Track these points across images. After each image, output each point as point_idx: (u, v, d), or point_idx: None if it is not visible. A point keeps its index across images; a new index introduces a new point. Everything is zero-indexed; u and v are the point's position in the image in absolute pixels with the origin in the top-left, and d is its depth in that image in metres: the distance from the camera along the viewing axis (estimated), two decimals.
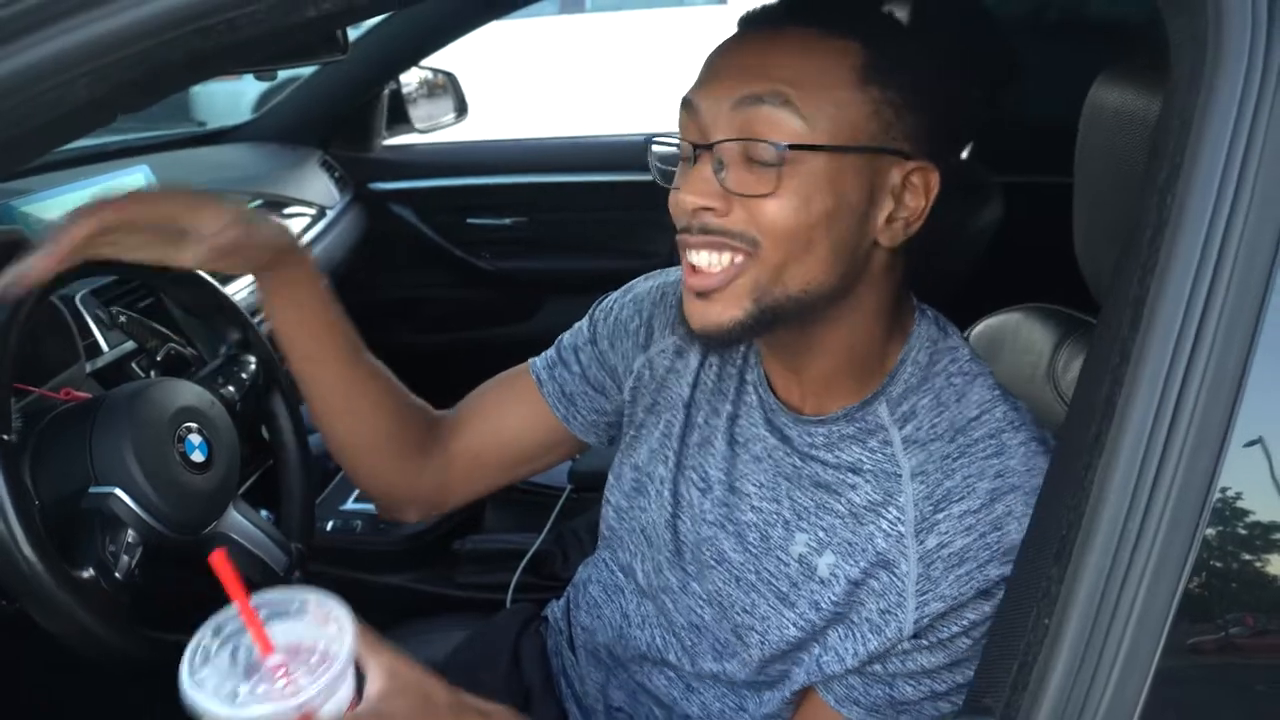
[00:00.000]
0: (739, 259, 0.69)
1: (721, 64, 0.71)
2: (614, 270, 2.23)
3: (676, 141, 0.73)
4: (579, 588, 1.01)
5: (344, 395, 0.93)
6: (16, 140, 0.51)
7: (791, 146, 0.66)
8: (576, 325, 0.99)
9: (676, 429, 0.87)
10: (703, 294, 0.70)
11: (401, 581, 1.47)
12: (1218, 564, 0.46)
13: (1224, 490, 0.45)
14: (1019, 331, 1.09)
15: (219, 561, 0.61)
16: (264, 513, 1.38)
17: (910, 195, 0.71)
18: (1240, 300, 0.45)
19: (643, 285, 0.95)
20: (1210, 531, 0.45)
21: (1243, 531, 0.46)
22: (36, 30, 0.47)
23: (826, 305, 0.72)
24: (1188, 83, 0.48)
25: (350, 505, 1.52)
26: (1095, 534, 0.45)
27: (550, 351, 1.00)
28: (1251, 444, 0.45)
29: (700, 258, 0.70)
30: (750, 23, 0.73)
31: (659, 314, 0.91)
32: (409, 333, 2.32)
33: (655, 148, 0.77)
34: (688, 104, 0.71)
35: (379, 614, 1.31)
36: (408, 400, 0.98)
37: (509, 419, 0.99)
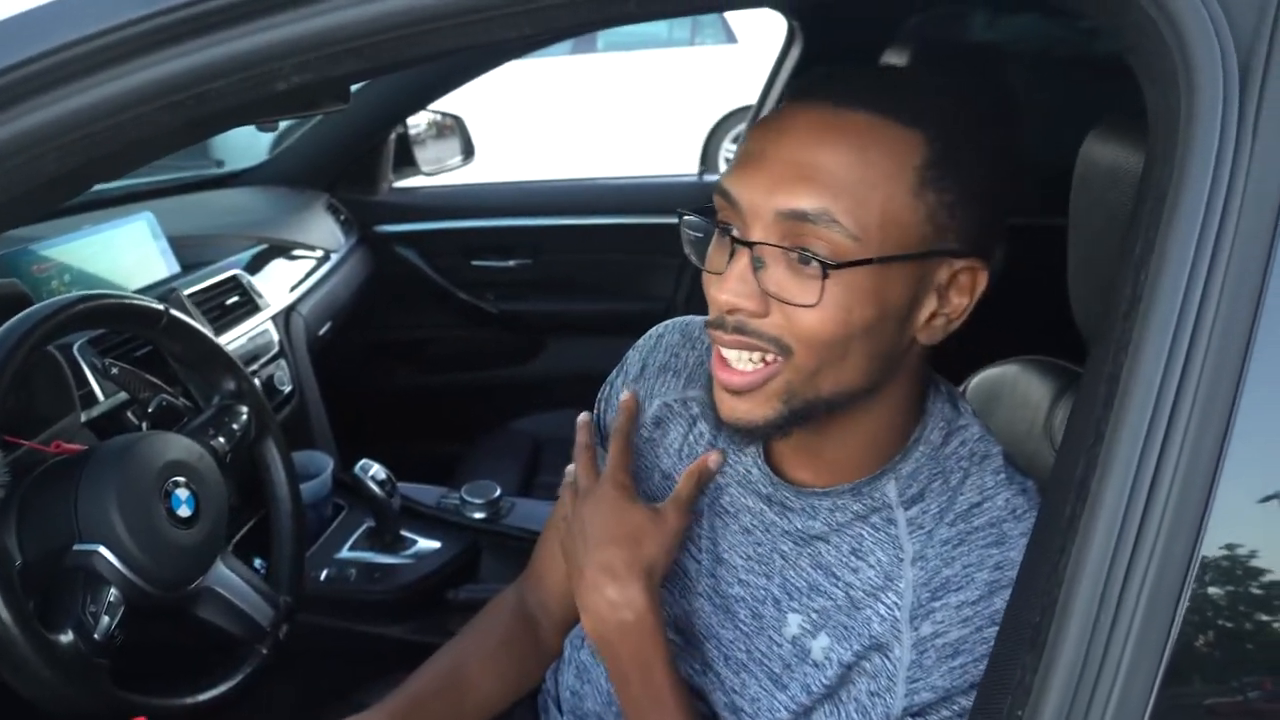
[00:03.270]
0: (771, 359, 0.67)
1: (767, 155, 0.65)
2: (618, 312, 2.26)
3: (702, 222, 0.70)
4: (570, 648, 0.99)
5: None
6: None
7: (838, 265, 0.62)
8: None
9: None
10: (733, 391, 0.68)
11: (395, 632, 1.45)
12: (1196, 652, 0.44)
13: (1201, 575, 0.43)
14: (1016, 385, 1.07)
15: None
16: (258, 561, 1.37)
17: (955, 293, 0.68)
18: (1215, 382, 0.43)
19: (633, 360, 0.92)
20: (1187, 620, 0.43)
21: (1221, 617, 0.44)
22: (3, 109, 0.47)
23: (857, 401, 0.69)
24: (1162, 157, 0.47)
25: (345, 553, 1.51)
26: (1069, 622, 0.44)
27: None
28: (1229, 528, 0.44)
29: (733, 354, 0.68)
30: (804, 97, 0.67)
31: (641, 388, 0.88)
32: (414, 373, 2.32)
33: (687, 220, 0.73)
34: (725, 192, 0.67)
35: (371, 665, 1.30)
36: (515, 654, 0.98)
37: None
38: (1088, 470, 0.45)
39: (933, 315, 0.68)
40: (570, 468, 0.83)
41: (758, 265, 0.65)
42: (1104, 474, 0.44)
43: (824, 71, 0.70)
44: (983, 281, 0.68)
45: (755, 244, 0.65)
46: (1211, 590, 0.44)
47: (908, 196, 0.64)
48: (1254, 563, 0.45)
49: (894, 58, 1.52)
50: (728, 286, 0.65)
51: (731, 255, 0.66)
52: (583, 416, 0.86)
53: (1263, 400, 0.43)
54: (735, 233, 0.66)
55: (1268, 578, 0.46)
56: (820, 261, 0.62)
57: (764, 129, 0.67)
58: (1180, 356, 0.44)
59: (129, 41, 0.48)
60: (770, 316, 0.65)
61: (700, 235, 0.71)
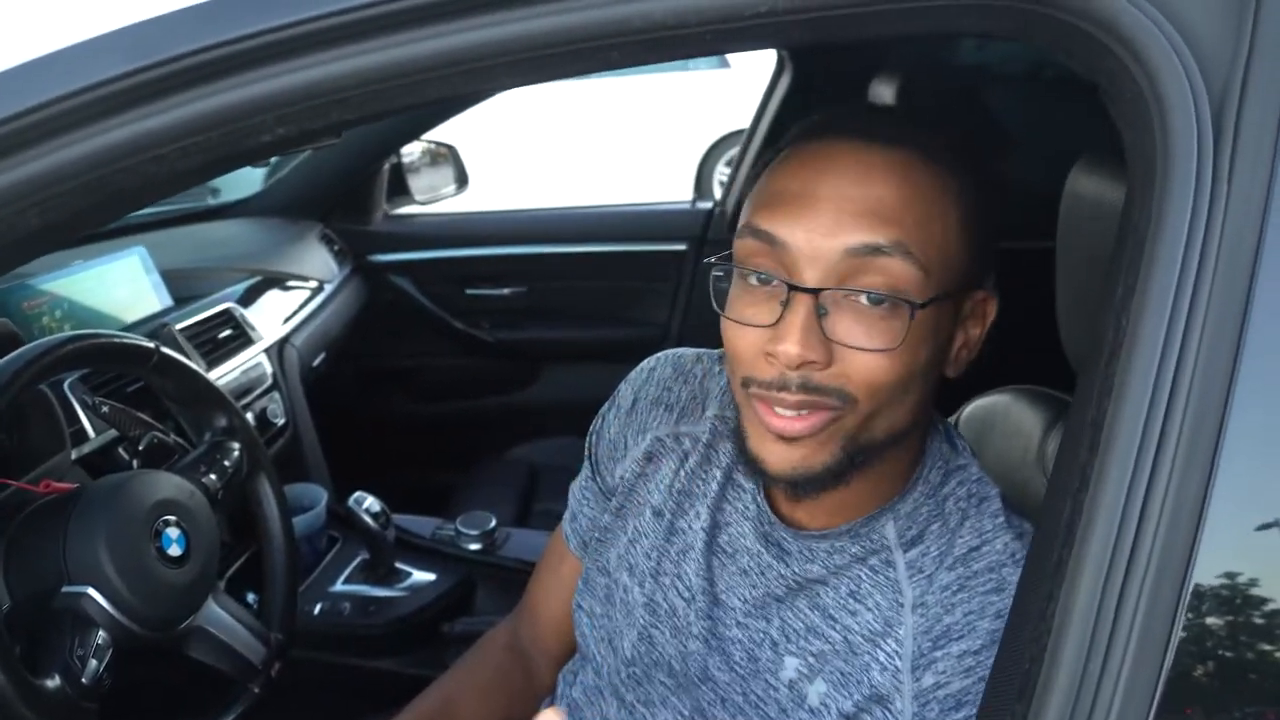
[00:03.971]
0: (829, 413, 0.63)
1: (818, 194, 0.62)
2: (613, 339, 2.26)
3: (760, 272, 0.64)
4: (563, 684, 0.98)
5: None
6: None
7: (925, 304, 0.60)
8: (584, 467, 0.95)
9: (649, 537, 0.83)
10: (789, 438, 0.64)
11: (390, 666, 1.44)
12: (1185, 698, 0.44)
13: (1189, 623, 0.43)
14: (1009, 414, 1.07)
15: None
16: (251, 596, 1.36)
17: (973, 324, 0.68)
18: (1197, 427, 0.43)
19: (624, 394, 0.90)
20: (1175, 665, 0.43)
21: (1210, 662, 0.44)
22: None
23: (899, 441, 0.67)
24: (1140, 199, 0.48)
25: (339, 587, 1.50)
26: (1058, 670, 0.43)
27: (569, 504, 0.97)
28: (1215, 573, 0.44)
29: (789, 413, 0.63)
30: (834, 135, 0.65)
31: (632, 422, 0.88)
32: (409, 402, 2.32)
33: (717, 271, 0.68)
34: (766, 235, 0.63)
35: (366, 699, 1.29)
36: (507, 690, 0.96)
37: (566, 588, 0.94)
38: (1074, 516, 0.45)
39: (960, 348, 0.68)
40: None
41: (822, 313, 0.61)
42: (1090, 520, 0.44)
43: (840, 110, 0.69)
44: (993, 310, 0.68)
45: (821, 290, 0.61)
46: (1198, 637, 0.44)
47: (957, 231, 0.63)
48: (1241, 606, 0.45)
49: (881, 86, 1.53)
50: (794, 338, 0.60)
51: (786, 304, 0.61)
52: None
53: (1245, 444, 0.43)
54: (778, 276, 0.63)
55: (1255, 621, 0.46)
56: (907, 301, 0.60)
57: (799, 168, 0.64)
58: (1163, 402, 0.44)
59: (112, 98, 0.48)
60: (832, 367, 0.61)
61: (726, 281, 0.67)
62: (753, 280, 0.64)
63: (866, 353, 0.61)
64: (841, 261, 0.61)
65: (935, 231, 0.62)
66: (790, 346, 0.60)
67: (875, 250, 0.60)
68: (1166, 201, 0.44)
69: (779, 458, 0.65)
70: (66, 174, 0.49)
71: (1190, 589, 0.43)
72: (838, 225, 0.61)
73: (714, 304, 0.68)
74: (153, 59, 0.49)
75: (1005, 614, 0.66)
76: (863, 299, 0.61)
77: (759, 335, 0.63)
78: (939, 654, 0.68)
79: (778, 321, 0.62)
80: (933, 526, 0.71)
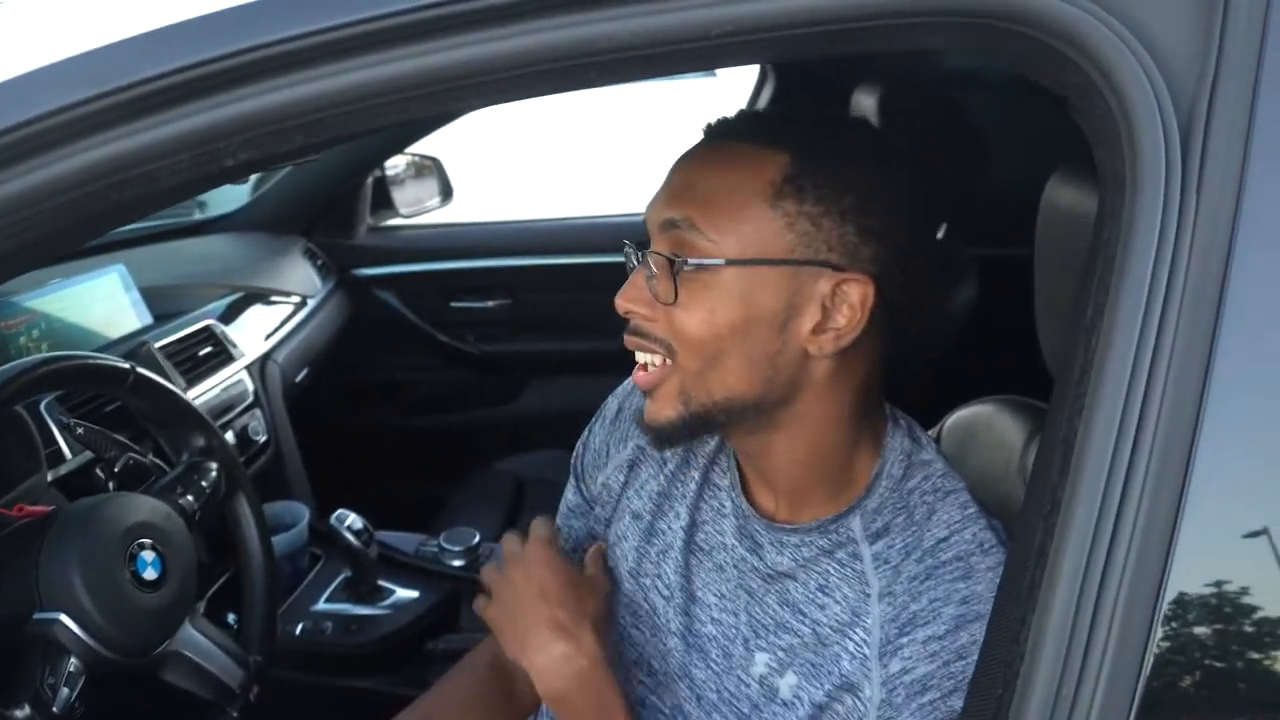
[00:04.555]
0: (663, 361, 0.73)
1: (665, 181, 0.75)
2: (599, 351, 2.24)
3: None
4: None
5: None
6: None
7: (694, 263, 0.69)
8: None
9: (632, 539, 0.85)
10: (643, 391, 0.75)
11: (373, 685, 1.43)
12: None
13: (1161, 646, 0.43)
14: (991, 425, 1.07)
15: None
16: (231, 617, 1.35)
17: (845, 307, 0.70)
18: (1168, 448, 0.43)
19: (610, 406, 0.94)
20: (1149, 692, 0.42)
21: (1183, 687, 0.43)
22: None
23: (768, 412, 0.72)
24: (1110, 216, 0.47)
25: (321, 606, 1.48)
26: (1030, 697, 0.43)
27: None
28: (1189, 597, 0.43)
29: (640, 357, 0.75)
30: (705, 136, 0.76)
31: (615, 431, 0.90)
32: (394, 415, 2.30)
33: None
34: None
35: None
36: (489, 708, 0.97)
37: None
38: (1045, 538, 0.44)
39: (817, 328, 0.70)
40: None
41: (649, 275, 0.72)
42: (1061, 544, 0.43)
43: (725, 116, 0.77)
44: (869, 297, 0.69)
45: (642, 252, 0.73)
46: (1171, 660, 0.43)
47: (764, 206, 0.69)
48: (1215, 626, 0.44)
49: (862, 95, 1.53)
50: (623, 292, 0.73)
51: (634, 270, 0.74)
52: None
53: (1215, 465, 0.43)
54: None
55: (1231, 640, 0.46)
56: (677, 259, 0.70)
57: (672, 166, 0.76)
58: (1133, 422, 0.43)
59: (76, 123, 0.47)
60: (659, 321, 0.72)
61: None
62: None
63: (666, 306, 0.71)
64: (660, 234, 0.72)
65: (732, 207, 0.70)
66: (617, 298, 0.73)
67: (672, 224, 0.71)
68: (1135, 220, 0.44)
69: (643, 410, 0.75)
70: (32, 199, 0.48)
71: (1163, 612, 0.43)
72: (661, 203, 0.73)
73: None
74: (117, 84, 0.48)
75: (970, 600, 0.68)
76: (663, 261, 0.71)
77: None
78: (905, 640, 0.69)
79: None
80: (898, 519, 0.73)
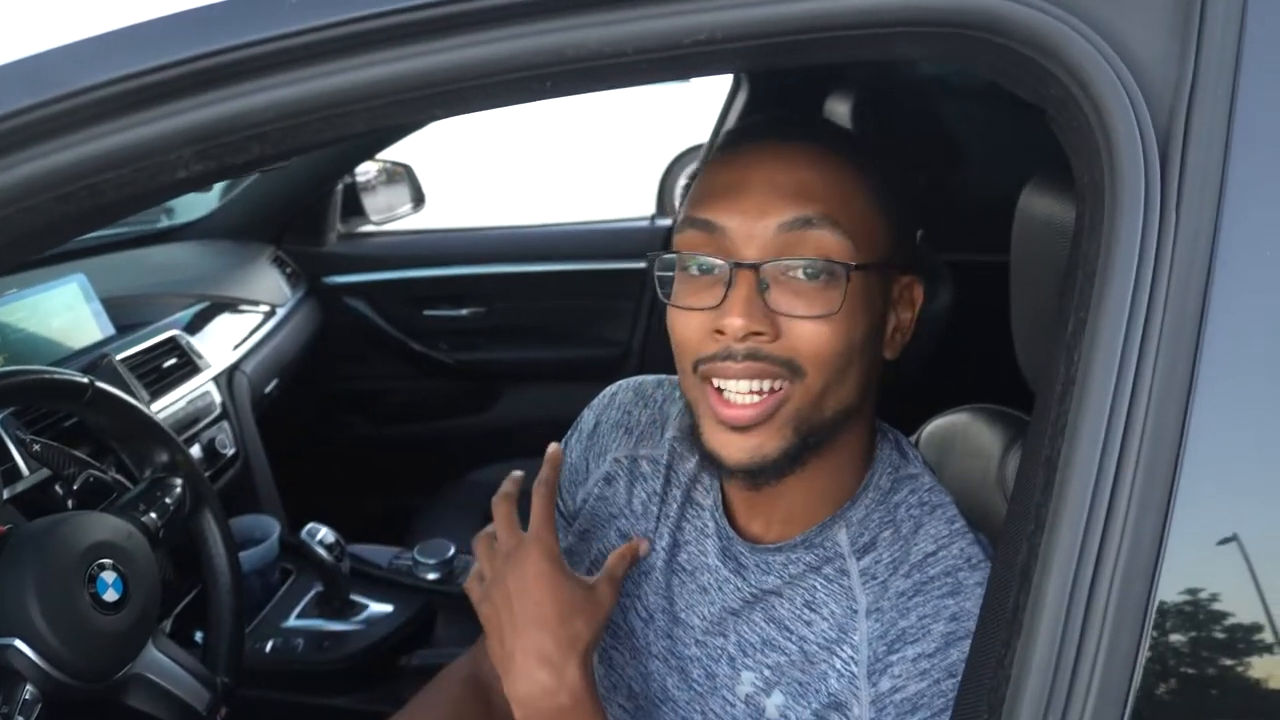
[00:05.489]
0: (778, 386, 0.65)
1: (749, 180, 0.67)
2: (574, 359, 2.23)
3: (702, 259, 0.67)
4: None
5: None
6: None
7: (859, 266, 0.64)
8: None
9: (643, 549, 0.82)
10: (741, 427, 0.66)
11: (346, 703, 1.40)
12: None
13: (1148, 669, 0.42)
14: (968, 433, 1.06)
15: None
16: (199, 635, 1.32)
17: (903, 308, 0.71)
18: (1152, 465, 0.42)
19: (587, 419, 0.91)
20: (1135, 712, 0.42)
21: (1171, 707, 0.42)
22: None
23: (847, 422, 0.69)
24: (1090, 229, 0.46)
25: (292, 622, 1.45)
26: None
27: None
28: (1175, 621, 0.42)
29: (740, 386, 0.65)
30: (759, 136, 0.70)
31: (593, 446, 0.88)
32: (367, 425, 2.27)
33: (661, 264, 0.70)
34: (704, 223, 0.67)
35: None
36: None
37: None
38: (1029, 559, 0.43)
39: (893, 330, 0.71)
40: (489, 528, 0.78)
41: (763, 287, 0.64)
42: (1045, 566, 0.42)
43: (757, 119, 0.74)
44: (920, 295, 0.71)
45: (761, 265, 0.64)
46: (1157, 685, 0.42)
47: (872, 208, 0.67)
48: (1201, 651, 0.43)
49: (836, 102, 1.53)
50: (737, 310, 0.63)
51: (730, 284, 0.64)
52: (552, 447, 0.80)
53: (1200, 482, 0.42)
54: (720, 257, 0.66)
55: (1219, 666, 0.45)
56: (842, 265, 0.64)
57: (731, 162, 0.69)
58: (1117, 439, 0.42)
59: (12, 133, 0.45)
60: (780, 339, 0.64)
61: (671, 274, 0.70)
62: (694, 270, 0.68)
63: (809, 321, 0.64)
64: (776, 237, 0.65)
65: (856, 207, 0.66)
66: (735, 319, 0.63)
67: (806, 223, 0.64)
68: (1115, 233, 0.43)
69: (735, 448, 0.66)
70: None
71: (1149, 634, 0.42)
72: (768, 204, 0.65)
73: (659, 294, 0.70)
74: (57, 92, 0.46)
75: (960, 617, 0.67)
76: (800, 272, 0.64)
77: (705, 317, 0.66)
78: (894, 658, 0.68)
79: (723, 301, 0.65)
80: (884, 533, 0.72)
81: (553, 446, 0.80)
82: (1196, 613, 0.43)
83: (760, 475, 0.67)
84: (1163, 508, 0.42)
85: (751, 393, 0.65)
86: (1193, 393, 0.42)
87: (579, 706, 0.70)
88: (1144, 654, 0.42)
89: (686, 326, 0.67)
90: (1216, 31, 0.46)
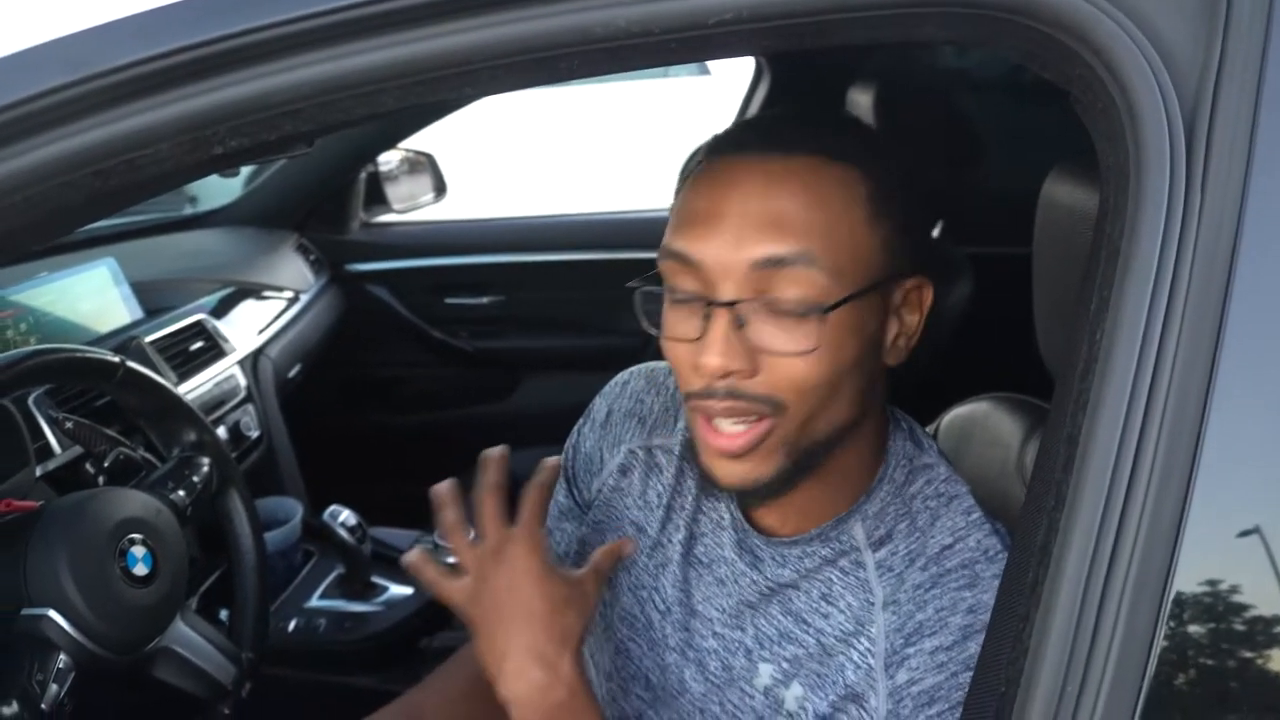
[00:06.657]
0: (764, 421, 0.65)
1: (724, 210, 0.64)
2: (594, 348, 2.24)
3: (677, 291, 0.66)
4: None
5: None
6: None
7: (834, 305, 0.62)
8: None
9: (627, 549, 0.82)
10: (732, 455, 0.66)
11: (367, 682, 1.42)
12: None
13: (1167, 644, 0.42)
14: (987, 423, 1.06)
15: None
16: (223, 613, 1.34)
17: (908, 311, 0.69)
18: (1174, 442, 0.42)
19: (599, 407, 0.90)
20: (1154, 690, 0.42)
21: (1189, 685, 0.43)
22: None
23: (847, 433, 0.69)
24: (1114, 210, 0.47)
25: (315, 602, 1.48)
26: (1034, 695, 0.42)
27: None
28: (1195, 592, 0.43)
29: (724, 420, 0.65)
30: (737, 150, 0.67)
31: (606, 435, 0.87)
32: (387, 413, 2.29)
33: (640, 294, 0.70)
34: (680, 255, 0.65)
35: (343, 718, 1.26)
36: (476, 706, 0.92)
37: None
38: (1049, 535, 0.44)
39: (896, 338, 0.69)
40: (452, 519, 0.77)
41: (740, 324, 0.63)
42: (1065, 540, 0.43)
43: (744, 123, 0.71)
44: (929, 296, 0.69)
45: (736, 303, 0.62)
46: (1177, 658, 0.43)
47: (864, 228, 0.65)
48: (1221, 624, 0.44)
49: (858, 92, 1.53)
50: (715, 350, 0.62)
51: (707, 318, 0.63)
52: (551, 460, 0.79)
53: (1222, 459, 0.43)
54: (697, 293, 0.64)
55: (1236, 644, 0.45)
56: (815, 306, 0.62)
57: (707, 187, 0.66)
58: (1138, 416, 0.43)
59: (51, 110, 0.46)
60: (759, 375, 0.64)
61: (657, 306, 0.69)
62: (679, 295, 0.66)
63: (788, 357, 0.63)
64: (751, 274, 0.63)
65: (842, 234, 0.64)
66: (711, 358, 0.62)
67: (779, 262, 0.62)
68: (1140, 212, 0.44)
69: (726, 472, 0.67)
70: (5, 188, 0.47)
71: (1169, 609, 0.42)
72: (743, 239, 0.63)
73: (642, 324, 0.70)
74: (94, 69, 0.47)
75: (977, 609, 0.67)
76: (780, 308, 0.63)
77: (689, 349, 0.65)
78: (911, 650, 0.68)
79: (702, 336, 0.64)
80: (900, 525, 0.72)
81: (552, 460, 0.79)
82: (1215, 588, 0.43)
83: (756, 495, 0.68)
84: (1184, 482, 0.42)
85: (737, 423, 0.65)
86: (1215, 370, 0.42)
87: (575, 699, 0.70)
88: (1163, 626, 0.42)
89: (675, 356, 0.68)
90: (1245, 14, 0.46)
